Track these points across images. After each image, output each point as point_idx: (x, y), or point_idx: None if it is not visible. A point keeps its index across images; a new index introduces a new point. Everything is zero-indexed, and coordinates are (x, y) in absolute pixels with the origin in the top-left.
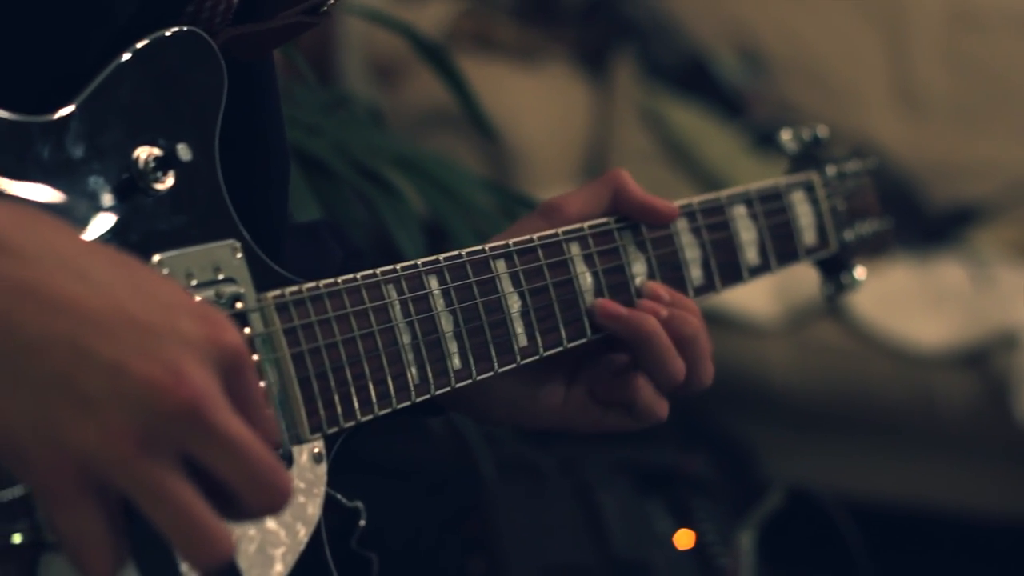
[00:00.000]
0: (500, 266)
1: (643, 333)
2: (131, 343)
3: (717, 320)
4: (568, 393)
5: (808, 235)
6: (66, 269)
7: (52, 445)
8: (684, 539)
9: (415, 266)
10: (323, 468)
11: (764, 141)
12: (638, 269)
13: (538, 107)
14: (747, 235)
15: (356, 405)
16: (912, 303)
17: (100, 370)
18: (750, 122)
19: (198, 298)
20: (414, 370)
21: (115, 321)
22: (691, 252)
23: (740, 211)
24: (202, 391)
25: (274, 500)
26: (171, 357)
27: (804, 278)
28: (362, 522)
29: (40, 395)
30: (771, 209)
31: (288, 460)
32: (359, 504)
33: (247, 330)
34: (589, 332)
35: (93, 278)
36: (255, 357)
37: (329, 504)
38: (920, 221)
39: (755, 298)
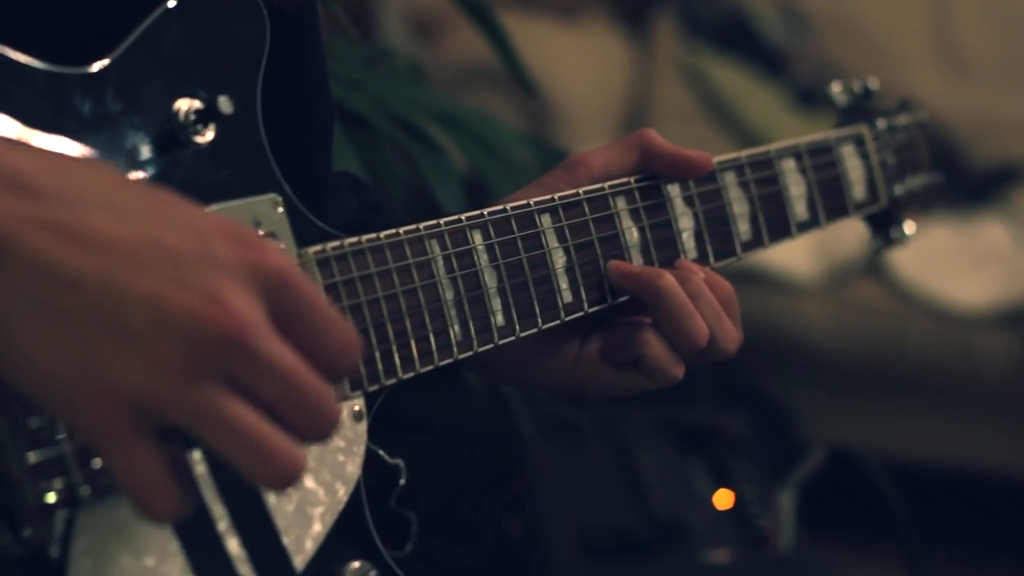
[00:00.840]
0: (546, 221)
1: (656, 289)
2: (167, 274)
3: (757, 279)
4: (579, 353)
5: (858, 189)
6: (97, 206)
7: (98, 384)
8: (723, 499)
9: (459, 220)
10: (363, 426)
11: (805, 99)
12: (685, 224)
13: (578, 64)
14: (796, 189)
15: (398, 362)
16: (953, 262)
17: (138, 304)
18: (791, 80)
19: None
20: (457, 327)
21: (149, 253)
22: (739, 207)
23: (789, 165)
24: (241, 317)
25: (320, 425)
26: (209, 284)
27: (845, 236)
28: (402, 480)
29: (80, 333)
30: (821, 163)
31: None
32: (400, 462)
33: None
34: (610, 297)
35: (124, 212)
36: None
37: (370, 461)
38: (962, 180)
39: (795, 257)
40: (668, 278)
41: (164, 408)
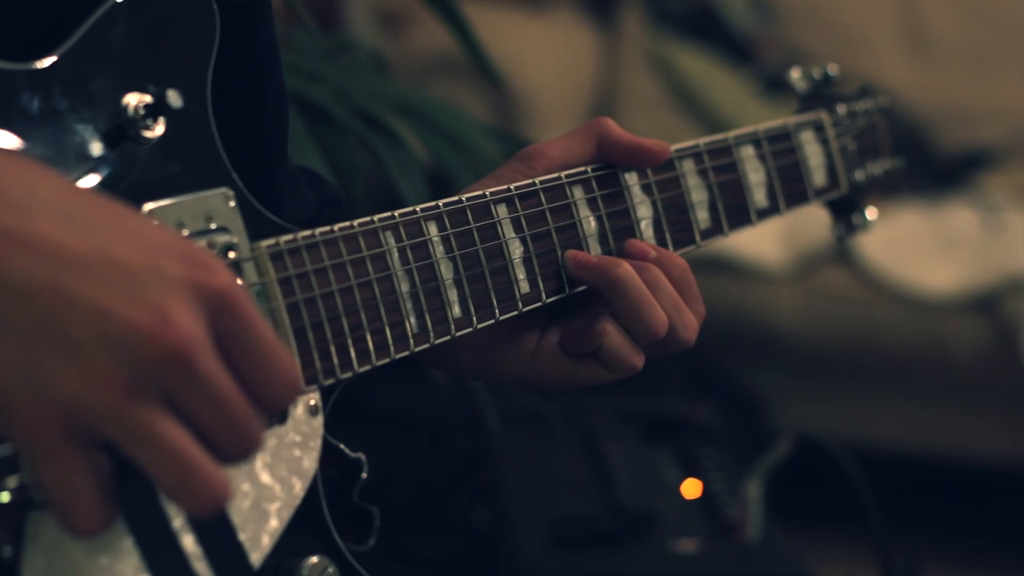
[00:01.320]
0: (502, 211)
1: (612, 278)
2: (116, 287)
3: (724, 267)
4: (537, 349)
5: (818, 176)
6: (51, 214)
7: (38, 393)
8: (691, 488)
9: (413, 212)
10: (319, 420)
11: (773, 86)
12: (643, 212)
13: (545, 53)
14: (755, 176)
15: (353, 356)
16: (921, 248)
17: (85, 315)
18: (759, 67)
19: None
20: (413, 319)
21: (100, 265)
22: (697, 194)
23: (748, 152)
24: (188, 336)
25: (244, 448)
26: (157, 301)
27: (812, 223)
28: (364, 474)
29: (24, 341)
30: (780, 149)
31: (283, 413)
32: (361, 456)
33: (239, 281)
34: (568, 287)
35: (78, 222)
36: None
37: (331, 456)
38: (930, 166)
39: (763, 244)
40: (625, 267)
41: (99, 422)
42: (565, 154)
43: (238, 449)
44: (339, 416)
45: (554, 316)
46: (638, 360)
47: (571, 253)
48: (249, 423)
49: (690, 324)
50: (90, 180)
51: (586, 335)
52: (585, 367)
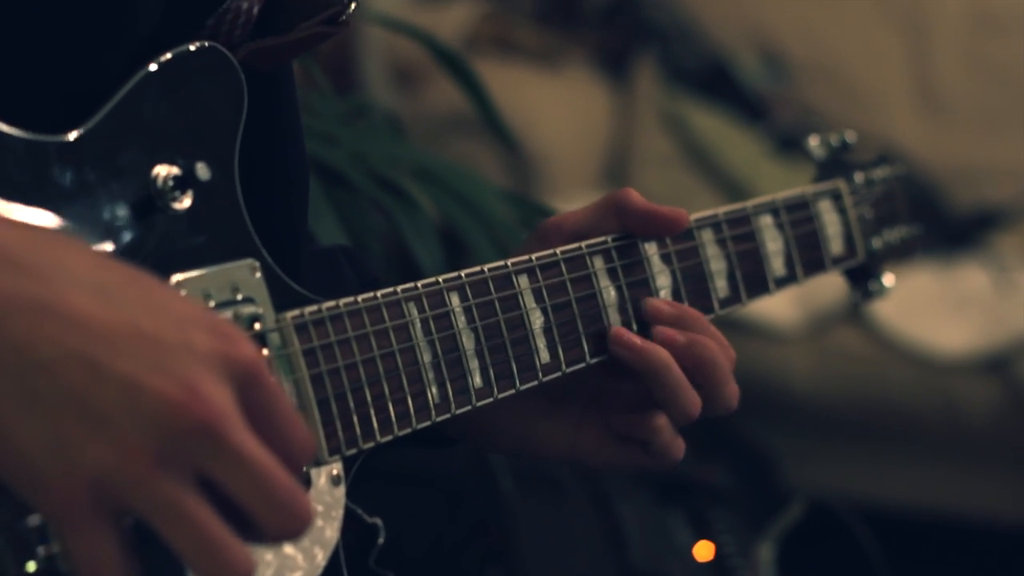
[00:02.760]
0: (523, 282)
1: (654, 366)
2: (146, 359)
3: (737, 326)
4: (580, 426)
5: (835, 244)
6: (80, 286)
7: (66, 466)
8: (703, 551)
9: (436, 283)
10: (341, 490)
11: (786, 145)
12: (663, 282)
13: (559, 111)
14: (773, 245)
15: (375, 426)
16: (934, 308)
17: (115, 387)
18: (772, 126)
19: (214, 313)
20: (434, 389)
21: (129, 337)
22: (716, 264)
23: (766, 221)
24: (217, 409)
25: (292, 525)
26: (186, 373)
27: (826, 284)
28: (381, 539)
29: (54, 414)
30: (798, 219)
31: (306, 483)
32: (378, 521)
33: (265, 351)
34: (588, 357)
35: (107, 294)
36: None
37: (348, 521)
38: (942, 225)
39: (776, 304)
40: (664, 355)
41: (127, 495)
42: (580, 226)
43: (287, 523)
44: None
45: (596, 394)
46: (680, 449)
47: (617, 331)
48: (294, 496)
49: (733, 394)
50: (118, 250)
51: (641, 427)
52: (628, 452)
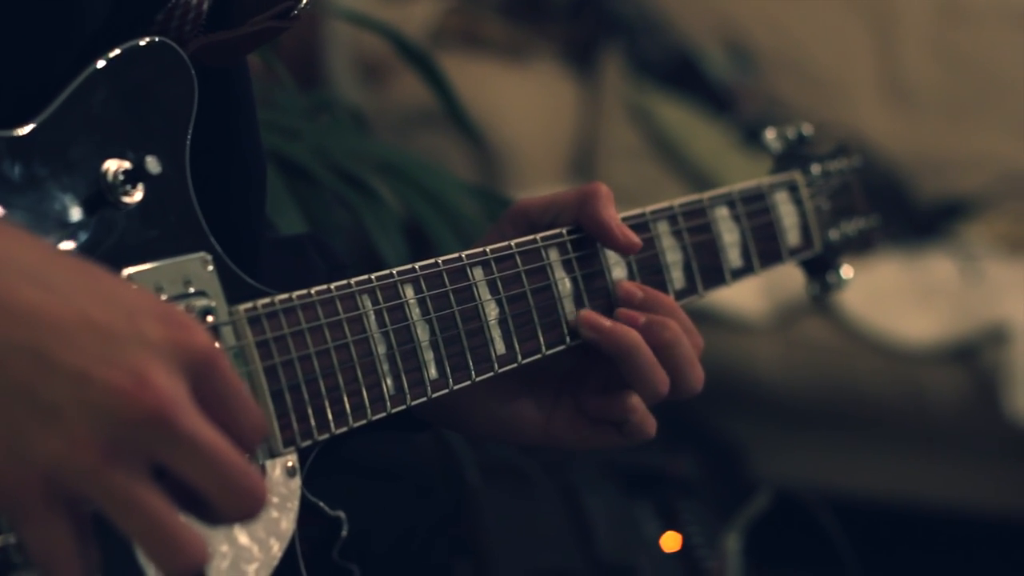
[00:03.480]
0: (477, 273)
1: (624, 346)
2: (94, 350)
3: (704, 317)
4: (554, 409)
5: (792, 236)
6: (27, 277)
7: (17, 457)
8: (670, 542)
9: (390, 275)
10: (297, 482)
11: (753, 137)
12: (618, 274)
13: (526, 105)
14: (729, 237)
15: (330, 418)
16: (901, 298)
17: (63, 378)
18: (739, 118)
19: (165, 302)
20: (389, 381)
21: (77, 328)
22: (672, 255)
23: (722, 213)
24: (167, 396)
25: (247, 504)
26: (135, 363)
27: (792, 275)
28: (344, 532)
29: (3, 406)
30: (754, 210)
31: (261, 473)
32: (341, 514)
33: (218, 344)
34: (568, 339)
35: (55, 285)
36: None
37: (311, 513)
38: (909, 215)
39: (743, 295)
40: (634, 336)
41: (79, 485)
42: (545, 212)
43: (243, 504)
44: (318, 467)
45: (567, 378)
46: (653, 426)
47: (585, 313)
48: (248, 477)
49: (699, 376)
50: (69, 245)
51: (615, 408)
52: (602, 433)
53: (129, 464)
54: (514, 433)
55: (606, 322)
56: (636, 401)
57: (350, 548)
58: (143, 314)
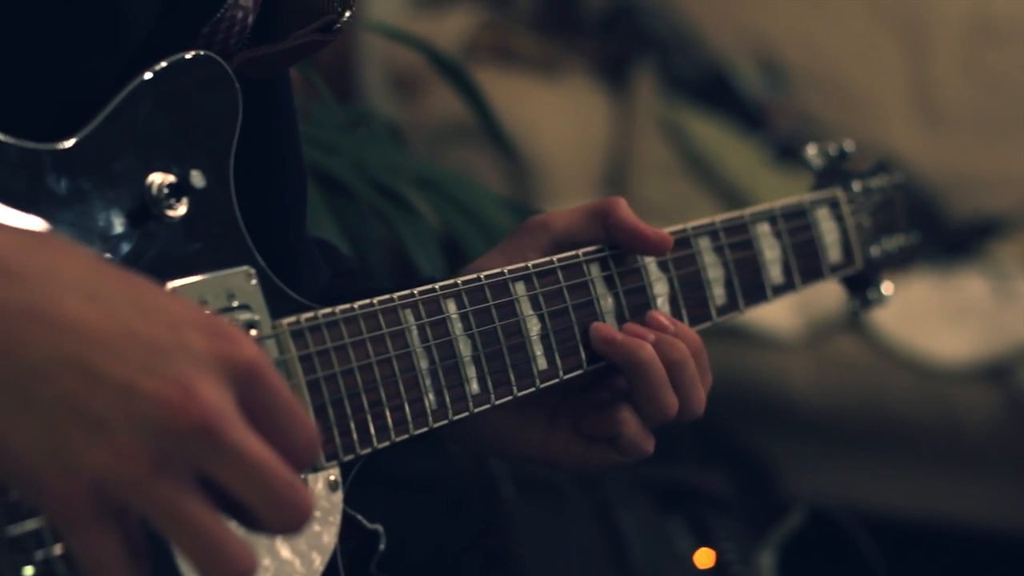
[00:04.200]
0: (519, 289)
1: (636, 360)
2: (140, 362)
3: (737, 334)
4: (550, 428)
5: (833, 252)
6: (72, 290)
7: (65, 470)
8: (704, 558)
9: (433, 290)
10: (339, 496)
11: (785, 154)
12: (660, 290)
13: (558, 120)
14: (771, 253)
15: (372, 432)
16: (933, 317)
17: (109, 391)
18: (771, 135)
19: (210, 313)
20: (432, 395)
21: (123, 341)
22: (713, 272)
23: (764, 229)
24: (213, 408)
25: (293, 518)
26: (181, 375)
27: (825, 292)
28: (382, 546)
29: (50, 419)
30: (795, 227)
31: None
32: (379, 527)
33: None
34: (585, 364)
35: (99, 298)
36: None
37: (348, 527)
38: (941, 234)
39: (775, 312)
40: (648, 350)
41: (126, 497)
42: (568, 227)
43: (288, 518)
44: (354, 479)
45: (565, 397)
46: (650, 445)
47: (597, 327)
48: (294, 490)
49: (701, 400)
50: (113, 258)
51: (607, 423)
52: (598, 450)
53: (176, 476)
54: (512, 450)
55: (618, 335)
56: (628, 415)
57: (386, 561)
58: (188, 326)
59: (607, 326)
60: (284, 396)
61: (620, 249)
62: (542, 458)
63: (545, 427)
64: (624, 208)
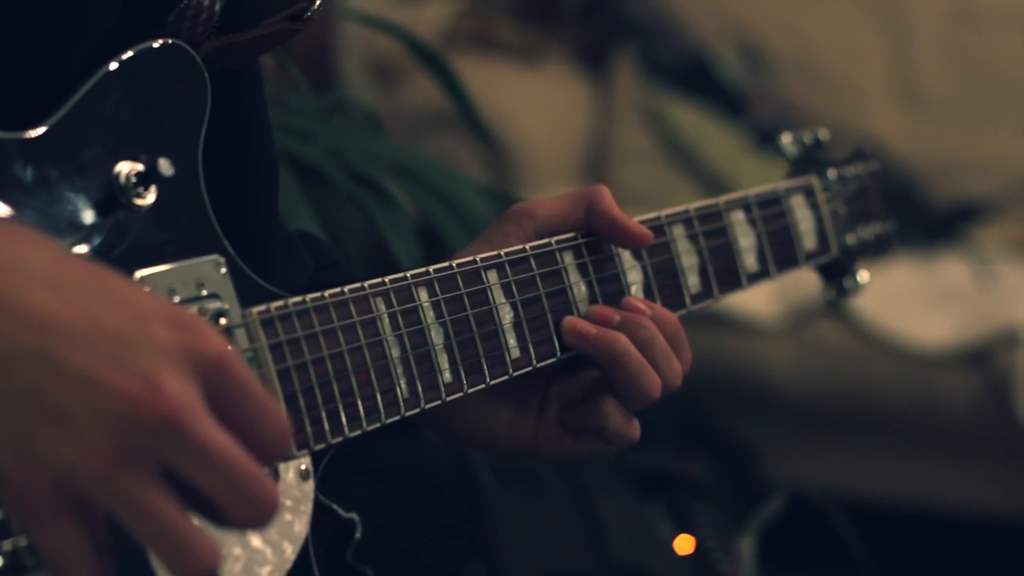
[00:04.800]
0: (492, 277)
1: (612, 352)
2: (105, 355)
3: (717, 320)
4: (539, 421)
5: (808, 240)
6: (37, 281)
7: (27, 461)
8: (684, 544)
9: (404, 278)
10: (310, 485)
11: (766, 140)
12: (634, 277)
13: (538, 107)
14: (745, 241)
15: (344, 421)
16: (914, 302)
17: (74, 383)
18: (752, 121)
19: (177, 306)
20: (403, 384)
21: (88, 333)
22: (688, 259)
23: (738, 217)
24: (178, 402)
25: (259, 512)
26: (146, 368)
27: (805, 279)
28: (358, 534)
29: (13, 410)
30: (770, 214)
31: (274, 477)
32: (354, 516)
33: (230, 347)
34: (559, 352)
35: (65, 289)
36: None
37: (323, 516)
38: (922, 219)
39: (756, 298)
40: (623, 341)
41: (89, 490)
42: (553, 216)
43: (254, 512)
44: (332, 468)
45: (549, 390)
46: (636, 431)
47: (569, 322)
48: (260, 485)
49: (677, 372)
50: (82, 248)
51: (590, 417)
52: (585, 442)
53: (140, 469)
54: (502, 443)
55: (592, 329)
56: (611, 408)
57: (364, 550)
58: (154, 318)
59: (579, 320)
60: (253, 388)
61: (599, 239)
62: (533, 451)
63: (535, 420)
64: (608, 198)
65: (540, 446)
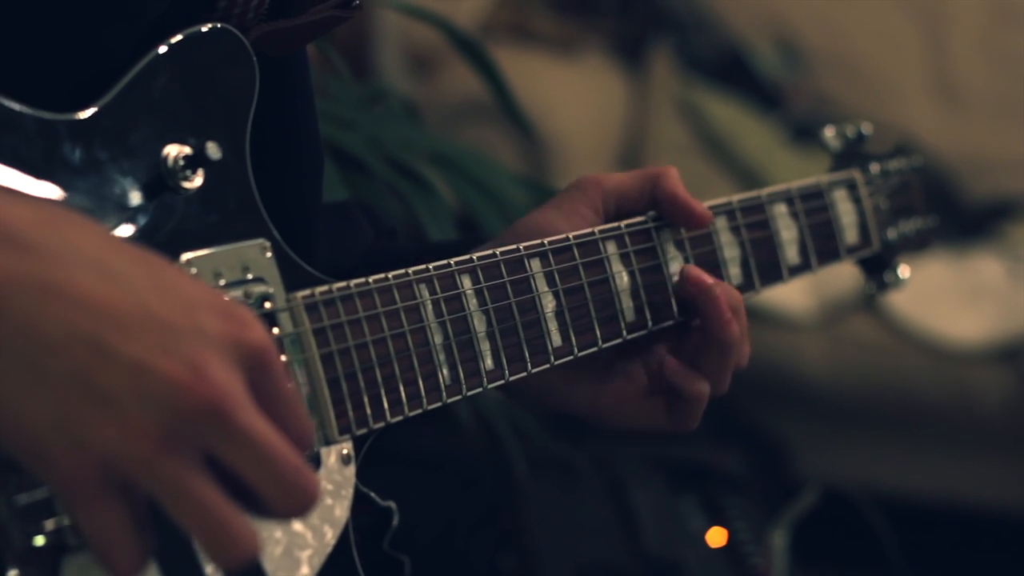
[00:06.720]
0: (535, 265)
1: (727, 306)
2: (153, 341)
3: (751, 314)
4: (604, 382)
5: (850, 234)
6: (88, 267)
7: (74, 444)
8: (716, 537)
9: (448, 265)
10: (351, 470)
11: (801, 135)
12: (675, 268)
13: (575, 99)
14: (787, 234)
15: (386, 406)
16: (948, 298)
17: (121, 368)
18: (787, 115)
19: (225, 296)
20: (445, 371)
21: (137, 319)
22: (730, 251)
23: (781, 209)
24: (224, 390)
25: (299, 503)
26: (193, 355)
27: (839, 273)
28: (395, 522)
29: (61, 393)
30: (812, 207)
31: (316, 462)
32: (392, 504)
33: (275, 330)
34: (624, 333)
35: (116, 276)
36: (283, 358)
37: (361, 503)
38: (957, 215)
39: (790, 293)
40: (737, 296)
41: (133, 473)
42: (619, 188)
43: (295, 501)
44: (367, 457)
45: (621, 354)
46: (696, 422)
47: (689, 268)
48: (301, 475)
49: (747, 353)
50: (129, 230)
51: (691, 379)
52: (650, 411)
53: (183, 454)
54: (563, 402)
55: (709, 279)
56: (707, 390)
57: (398, 538)
58: (202, 307)
59: (698, 269)
60: (287, 386)
61: (647, 224)
62: (591, 413)
63: (598, 382)
64: (674, 177)
65: (598, 409)
